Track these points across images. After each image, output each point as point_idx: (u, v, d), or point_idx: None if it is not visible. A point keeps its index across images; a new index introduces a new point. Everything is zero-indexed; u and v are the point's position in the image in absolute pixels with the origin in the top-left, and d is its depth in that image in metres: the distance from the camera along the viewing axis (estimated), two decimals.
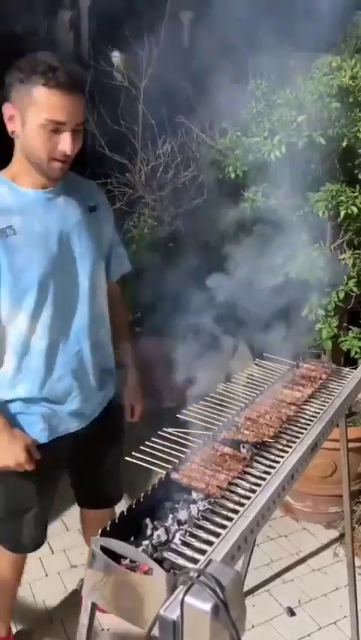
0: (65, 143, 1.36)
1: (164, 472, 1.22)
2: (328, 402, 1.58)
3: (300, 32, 2.33)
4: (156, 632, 0.89)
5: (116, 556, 1.05)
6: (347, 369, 1.84)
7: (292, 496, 2.68)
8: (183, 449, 1.31)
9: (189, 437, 1.34)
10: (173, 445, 1.30)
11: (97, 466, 1.80)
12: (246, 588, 2.28)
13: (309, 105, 1.97)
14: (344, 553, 2.45)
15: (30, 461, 1.52)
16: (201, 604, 0.81)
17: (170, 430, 1.38)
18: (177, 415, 1.46)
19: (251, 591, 2.29)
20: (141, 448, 1.31)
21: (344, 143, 2.09)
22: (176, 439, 1.33)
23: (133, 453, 1.29)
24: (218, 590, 0.82)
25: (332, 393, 1.64)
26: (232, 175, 2.21)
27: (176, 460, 1.26)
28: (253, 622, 2.15)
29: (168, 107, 3.34)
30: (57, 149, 1.37)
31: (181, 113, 3.24)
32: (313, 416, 1.49)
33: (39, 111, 1.33)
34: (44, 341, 1.50)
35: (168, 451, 1.29)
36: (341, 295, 2.34)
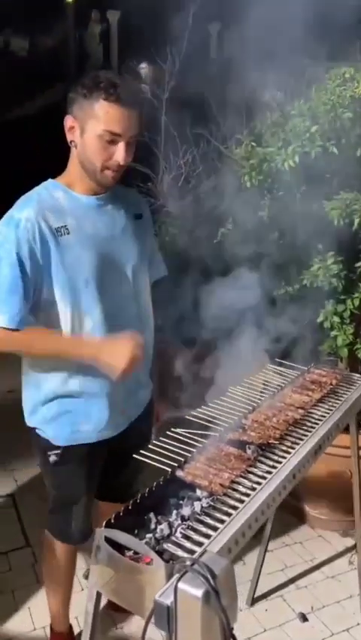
0: (119, 154, 1.48)
1: (169, 469, 1.27)
2: (335, 406, 1.60)
3: (316, 43, 2.37)
4: None
5: (120, 548, 1.10)
6: (358, 375, 1.86)
7: (308, 504, 2.69)
8: (190, 449, 1.35)
9: (196, 438, 1.39)
10: (180, 445, 1.35)
11: (124, 465, 1.86)
12: (259, 593, 2.29)
13: (322, 115, 2.01)
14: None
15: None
16: (193, 590, 0.85)
17: (178, 430, 1.43)
18: (186, 416, 1.51)
19: (264, 596, 2.31)
20: (150, 447, 1.36)
21: (358, 153, 2.12)
22: (184, 439, 1.38)
23: (141, 451, 1.34)
24: (210, 577, 0.86)
25: (340, 398, 1.67)
26: (248, 184, 2.26)
27: (182, 459, 1.31)
28: (265, 626, 2.17)
29: (190, 118, 3.41)
30: (111, 159, 1.49)
31: (202, 123, 3.31)
32: (319, 419, 1.52)
33: (98, 122, 1.45)
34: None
35: (176, 450, 1.34)
36: (356, 302, 2.36)
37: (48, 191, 1.54)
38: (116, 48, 11.17)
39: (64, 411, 1.63)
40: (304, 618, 2.21)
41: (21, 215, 1.47)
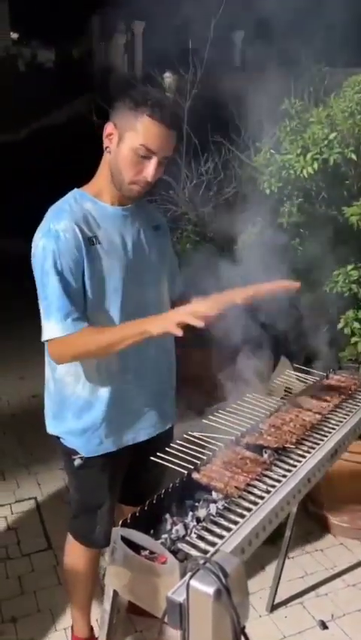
0: (149, 170, 1.51)
1: (186, 472, 1.29)
2: (353, 411, 1.60)
3: (336, 50, 2.38)
4: None
5: (136, 547, 1.12)
6: None
7: (329, 511, 2.67)
8: (206, 452, 1.37)
9: (213, 441, 1.41)
10: (197, 448, 1.37)
11: (146, 469, 1.88)
12: (279, 600, 2.28)
13: (341, 122, 2.02)
14: None
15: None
16: (205, 587, 0.87)
17: (195, 433, 1.45)
18: (204, 420, 1.53)
19: (284, 603, 2.30)
20: (167, 449, 1.38)
21: None
22: (201, 442, 1.40)
23: (158, 453, 1.37)
24: (222, 575, 0.87)
25: (359, 404, 1.66)
26: (267, 191, 2.28)
27: (198, 462, 1.33)
28: (285, 633, 2.16)
29: (212, 127, 3.45)
30: (140, 175, 1.52)
31: (223, 132, 3.34)
32: (336, 425, 1.52)
33: (136, 136, 1.48)
34: None
35: (192, 453, 1.36)
36: None
37: (77, 202, 1.57)
38: (141, 58, 11.34)
39: (90, 424, 1.65)
40: (324, 626, 2.19)
41: (58, 226, 1.51)
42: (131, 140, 1.49)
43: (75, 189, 1.62)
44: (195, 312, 1.39)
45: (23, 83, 11.25)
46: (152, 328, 1.44)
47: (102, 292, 1.56)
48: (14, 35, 16.53)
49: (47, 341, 1.54)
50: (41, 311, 1.54)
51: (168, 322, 1.41)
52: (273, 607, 2.25)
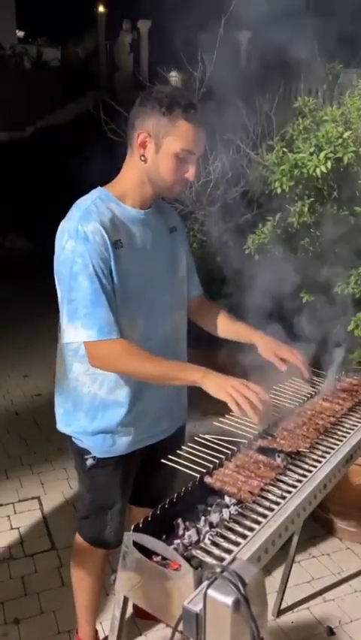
0: (192, 172, 1.52)
1: (198, 475, 1.26)
2: None
3: (350, 50, 2.35)
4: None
5: (148, 553, 1.09)
6: None
7: (336, 515, 2.64)
8: (219, 455, 1.34)
9: (226, 444, 1.38)
10: (209, 451, 1.34)
11: (158, 470, 1.85)
12: (285, 605, 2.26)
13: (355, 121, 1.99)
14: None
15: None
16: (223, 597, 0.84)
17: (207, 436, 1.42)
18: (215, 423, 1.50)
19: (291, 608, 2.27)
20: (178, 452, 1.35)
21: None
22: (213, 445, 1.37)
23: (169, 456, 1.34)
24: (240, 585, 0.84)
25: None
26: (278, 190, 2.25)
27: (211, 466, 1.30)
28: (292, 638, 2.13)
29: (220, 125, 3.42)
30: (183, 176, 1.52)
31: (232, 130, 3.31)
32: (350, 428, 1.49)
33: (176, 141, 1.47)
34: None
35: (205, 456, 1.33)
36: None
37: (103, 202, 1.54)
38: (147, 57, 11.30)
39: (105, 426, 1.63)
40: (331, 632, 2.16)
41: (87, 228, 1.48)
42: (171, 146, 1.48)
43: (100, 188, 1.59)
44: (253, 399, 1.35)
45: (29, 81, 11.22)
46: (205, 385, 1.41)
47: (125, 296, 1.54)
48: (20, 33, 16.51)
49: (85, 342, 1.51)
50: (65, 314, 1.52)
51: (223, 391, 1.38)
52: (279, 612, 2.23)
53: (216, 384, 1.40)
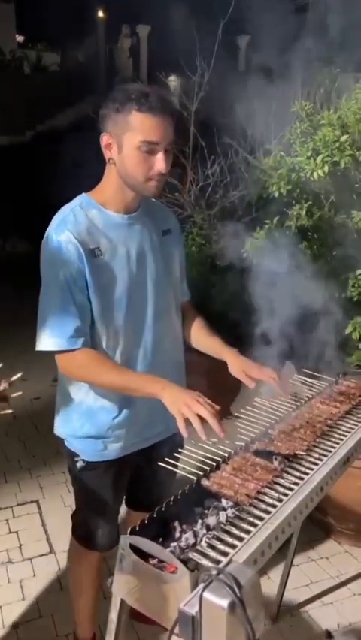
0: (160, 163, 1.46)
1: (195, 478, 1.26)
2: None
3: (346, 54, 2.37)
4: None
5: (144, 556, 1.09)
6: None
7: (335, 519, 2.64)
8: (216, 458, 1.34)
9: (222, 447, 1.38)
10: (206, 454, 1.34)
11: (154, 473, 1.85)
12: (284, 608, 2.25)
13: (352, 125, 2.00)
14: None
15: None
16: (218, 600, 0.84)
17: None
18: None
19: (289, 611, 2.26)
20: (175, 455, 1.36)
21: None
22: (210, 448, 1.37)
23: (166, 459, 1.34)
24: (236, 588, 0.84)
25: None
26: (276, 194, 2.26)
27: (208, 468, 1.30)
28: None
29: (218, 129, 3.43)
30: (153, 170, 1.47)
31: (230, 135, 3.32)
32: (347, 431, 1.49)
33: (134, 134, 1.44)
34: (124, 356, 1.60)
35: (201, 459, 1.33)
36: None
37: (83, 209, 1.53)
38: (146, 62, 11.36)
39: (95, 432, 1.63)
40: (329, 636, 2.16)
41: (60, 237, 1.47)
42: (131, 142, 1.45)
43: (83, 194, 1.58)
44: (204, 414, 1.34)
45: (29, 86, 11.27)
46: (163, 398, 1.41)
47: (106, 304, 1.53)
48: (20, 38, 16.55)
49: (52, 351, 1.52)
50: (38, 318, 1.53)
51: (175, 408, 1.37)
52: (278, 616, 2.22)
53: (170, 400, 1.40)
